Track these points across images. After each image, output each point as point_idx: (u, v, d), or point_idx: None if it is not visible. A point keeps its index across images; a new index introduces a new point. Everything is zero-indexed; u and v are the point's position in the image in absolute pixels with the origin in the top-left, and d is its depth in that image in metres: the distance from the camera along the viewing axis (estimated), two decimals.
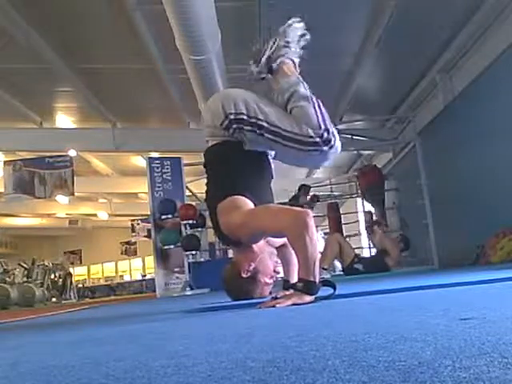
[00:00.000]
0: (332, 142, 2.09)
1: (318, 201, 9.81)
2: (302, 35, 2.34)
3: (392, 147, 9.74)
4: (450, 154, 6.99)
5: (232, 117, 2.17)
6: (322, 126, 2.08)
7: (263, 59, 2.27)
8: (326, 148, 2.09)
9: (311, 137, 2.07)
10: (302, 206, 8.95)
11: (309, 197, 9.67)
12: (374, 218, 8.80)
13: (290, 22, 2.35)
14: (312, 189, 12.02)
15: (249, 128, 2.16)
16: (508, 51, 5.27)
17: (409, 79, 8.00)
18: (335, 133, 2.12)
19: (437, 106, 7.50)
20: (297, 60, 2.33)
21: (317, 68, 7.54)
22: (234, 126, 2.17)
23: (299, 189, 9.51)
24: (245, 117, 2.15)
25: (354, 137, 9.26)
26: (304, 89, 2.18)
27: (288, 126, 2.11)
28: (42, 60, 7.37)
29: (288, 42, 2.30)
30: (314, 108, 2.12)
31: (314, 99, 2.15)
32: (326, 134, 2.08)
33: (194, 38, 5.35)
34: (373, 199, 9.21)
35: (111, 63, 7.78)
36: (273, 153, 2.36)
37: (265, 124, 2.13)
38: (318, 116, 2.10)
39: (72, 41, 7.09)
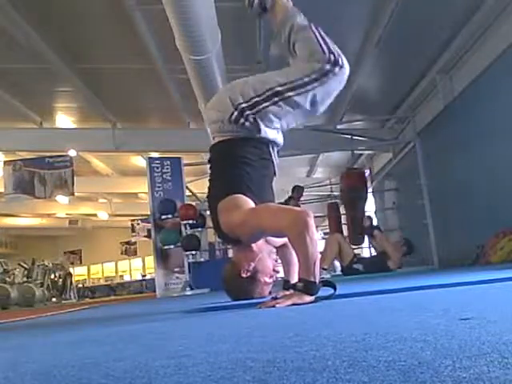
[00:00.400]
0: (340, 62, 2.14)
1: (301, 194, 9.76)
2: None
3: (392, 147, 9.74)
4: (450, 153, 6.99)
5: (243, 105, 2.18)
6: (326, 50, 2.13)
7: (256, 1, 2.34)
8: (337, 69, 2.14)
9: (321, 68, 2.13)
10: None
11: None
12: (374, 222, 8.82)
13: None
14: (312, 189, 12.04)
15: (267, 104, 2.18)
16: (508, 51, 5.27)
17: (409, 79, 8.00)
18: (340, 53, 2.17)
19: (437, 106, 7.50)
20: None
21: None
22: (248, 112, 2.18)
23: (293, 190, 9.49)
24: (257, 98, 2.18)
25: (354, 137, 9.27)
26: (301, 19, 2.25)
27: (298, 74, 2.17)
28: (42, 60, 7.37)
29: None
30: (315, 35, 2.17)
31: (313, 27, 2.21)
32: (332, 57, 2.13)
33: (193, 38, 5.34)
34: (350, 202, 9.18)
35: (111, 63, 7.77)
36: (282, 140, 2.36)
37: (279, 88, 2.17)
38: (320, 42, 2.15)
39: (72, 41, 7.09)
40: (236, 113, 2.18)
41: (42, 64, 7.52)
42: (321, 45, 2.14)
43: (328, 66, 2.12)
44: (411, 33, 6.38)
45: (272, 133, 2.28)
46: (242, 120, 2.19)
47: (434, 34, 6.53)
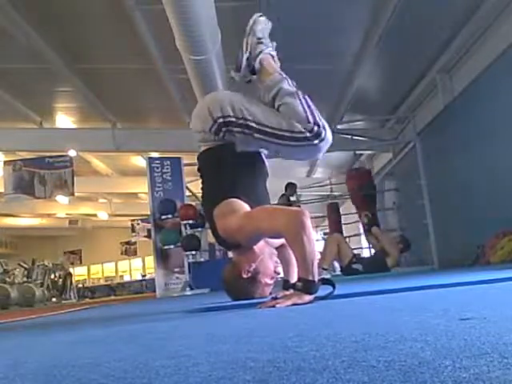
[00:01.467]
0: (323, 135, 2.10)
1: (295, 191, 9.77)
2: (268, 28, 2.38)
3: (392, 147, 9.74)
4: (450, 153, 6.99)
5: (220, 120, 2.18)
6: (311, 120, 2.09)
7: (243, 63, 2.29)
8: (316, 141, 2.09)
9: (301, 132, 2.08)
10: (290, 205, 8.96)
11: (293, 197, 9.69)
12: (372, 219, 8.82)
13: (253, 18, 2.37)
14: (312, 189, 12.04)
15: (238, 129, 2.17)
16: (508, 51, 5.27)
17: (409, 79, 8.00)
18: (326, 125, 2.13)
19: (437, 106, 7.50)
20: (274, 53, 2.35)
21: (317, 68, 7.57)
22: (224, 129, 2.18)
23: (285, 187, 9.50)
24: (233, 119, 2.17)
25: (354, 137, 9.27)
26: (288, 85, 2.19)
27: (276, 123, 2.12)
28: (42, 60, 7.37)
29: (260, 38, 2.32)
30: (301, 103, 2.12)
31: (301, 94, 2.16)
32: (316, 128, 2.08)
33: (193, 37, 5.34)
34: (361, 201, 9.16)
35: (111, 63, 7.78)
36: (266, 151, 2.37)
37: (253, 124, 2.15)
38: (306, 110, 2.10)
39: (72, 41, 7.09)
40: (215, 125, 2.19)
41: (42, 64, 7.52)
42: (306, 114, 2.09)
43: (309, 134, 2.08)
44: (411, 33, 6.38)
45: (249, 147, 2.27)
46: (221, 133, 2.20)
47: (433, 34, 6.53)
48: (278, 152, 2.23)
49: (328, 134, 2.12)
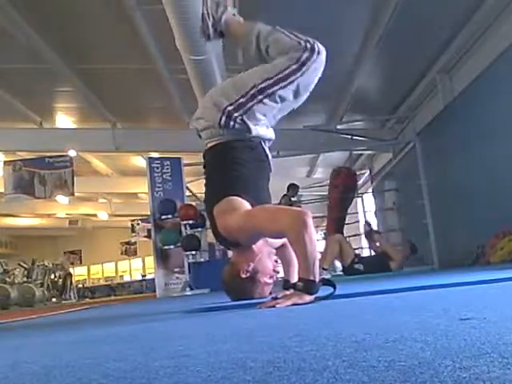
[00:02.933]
0: (316, 47, 2.17)
1: (297, 192, 9.78)
2: None
3: (392, 147, 9.74)
4: (450, 154, 6.99)
5: (229, 108, 2.18)
6: (300, 40, 2.16)
7: (210, 31, 2.38)
8: (314, 56, 2.17)
9: (299, 57, 2.14)
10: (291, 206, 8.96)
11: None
12: (373, 227, 8.83)
13: None
14: (312, 189, 12.04)
15: (252, 103, 2.18)
16: (508, 51, 5.27)
17: (409, 79, 8.00)
18: (314, 39, 2.20)
19: (437, 106, 7.50)
20: (234, 10, 2.44)
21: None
22: (236, 114, 2.18)
23: (288, 188, 9.51)
24: (242, 99, 2.18)
25: (354, 137, 9.27)
26: (262, 25, 2.26)
27: (276, 68, 2.17)
28: (42, 60, 7.37)
29: (217, 2, 2.40)
30: (284, 33, 2.20)
31: (279, 28, 2.23)
32: (308, 44, 2.16)
33: (194, 38, 5.34)
34: (339, 200, 9.14)
35: (111, 63, 7.77)
36: (273, 135, 2.37)
37: (261, 85, 2.17)
38: (290, 36, 2.18)
39: (72, 41, 7.09)
40: (224, 117, 2.19)
41: (42, 64, 7.52)
42: (293, 38, 2.17)
43: (305, 54, 2.14)
44: (411, 33, 6.38)
45: (262, 129, 2.29)
46: (231, 123, 2.19)
47: (434, 34, 6.53)
48: (299, 90, 2.22)
49: (320, 46, 2.21)
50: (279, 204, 9.11)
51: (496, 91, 5.60)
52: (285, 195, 9.42)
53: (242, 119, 2.19)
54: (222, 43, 2.51)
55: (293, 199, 9.66)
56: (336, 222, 9.00)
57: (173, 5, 4.81)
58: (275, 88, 2.17)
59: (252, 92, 2.17)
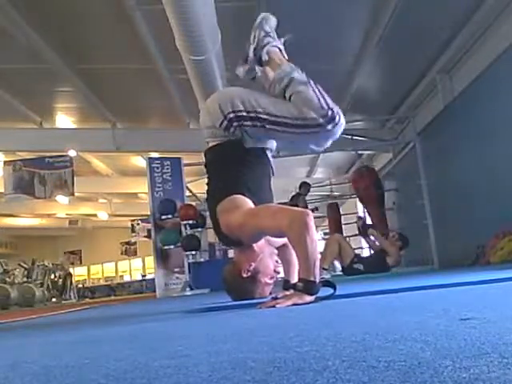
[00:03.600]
0: (336, 120, 2.08)
1: (309, 190, 9.79)
2: (275, 24, 2.40)
3: (392, 147, 9.74)
4: (450, 154, 6.99)
5: (231, 115, 2.17)
6: (325, 106, 2.07)
7: (250, 55, 2.30)
8: (330, 127, 2.07)
9: (313, 118, 2.06)
10: (304, 207, 8.99)
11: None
12: (368, 221, 8.83)
13: (262, 15, 2.39)
14: (312, 189, 12.02)
15: (249, 123, 2.17)
16: (508, 51, 5.27)
17: (409, 79, 8.00)
18: (339, 110, 2.11)
19: (437, 106, 7.50)
20: (281, 46, 2.35)
21: (317, 68, 7.56)
22: (235, 123, 2.18)
23: (300, 186, 9.52)
24: (244, 113, 2.16)
25: (354, 137, 9.26)
26: (299, 74, 2.18)
27: (287, 113, 2.11)
28: (42, 60, 7.37)
29: (267, 32, 2.33)
30: (314, 91, 2.11)
31: (312, 83, 2.14)
32: (330, 113, 2.07)
33: (193, 38, 5.35)
34: (368, 201, 9.18)
35: (111, 63, 7.77)
36: (274, 144, 2.37)
37: (264, 116, 2.14)
38: (318, 97, 2.09)
39: (72, 41, 7.09)
40: (226, 121, 2.19)
41: (42, 64, 7.52)
42: (320, 101, 2.08)
43: (322, 120, 2.06)
44: (411, 33, 6.38)
45: (259, 143, 2.28)
46: (231, 129, 2.19)
47: (434, 34, 6.53)
48: (293, 142, 2.21)
49: (342, 119, 2.11)
50: (292, 204, 9.17)
51: (496, 91, 5.60)
52: (298, 194, 9.44)
53: (240, 130, 2.19)
54: (252, 74, 2.38)
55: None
56: (383, 219, 9.02)
57: (173, 5, 4.81)
58: (275, 127, 2.14)
59: (253, 115, 2.15)
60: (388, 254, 6.48)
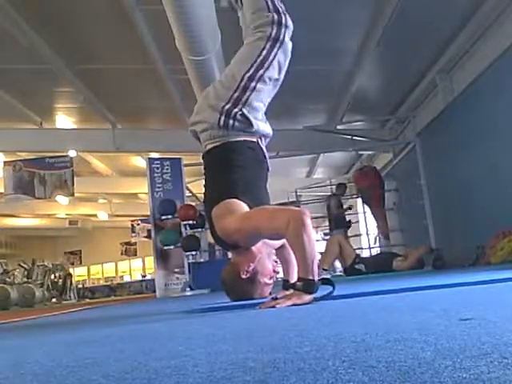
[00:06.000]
0: (283, 21, 2.23)
1: (344, 191, 9.84)
2: None
3: (392, 147, 9.74)
4: (450, 154, 6.99)
5: (227, 107, 2.20)
6: (271, 7, 2.22)
7: None
8: (283, 29, 2.22)
9: (269, 36, 2.21)
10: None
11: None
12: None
13: None
14: (312, 189, 12.05)
15: (247, 94, 2.21)
16: (508, 51, 5.27)
17: (409, 79, 8.00)
18: (284, 10, 2.26)
19: (437, 106, 7.50)
20: None
21: (317, 68, 7.57)
22: (234, 110, 2.19)
23: (337, 187, 9.66)
24: (235, 94, 2.21)
25: (354, 137, 9.27)
26: None
27: (255, 50, 2.24)
28: (42, 60, 7.36)
29: None
30: None
31: None
32: (276, 16, 2.22)
33: (194, 38, 5.34)
34: (369, 202, 9.23)
35: (111, 63, 7.77)
36: (270, 130, 2.40)
37: (247, 74, 2.22)
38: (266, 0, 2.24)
39: (72, 41, 7.09)
40: (223, 117, 2.20)
41: (42, 64, 7.52)
42: (267, 2, 2.22)
43: (275, 29, 2.21)
44: (411, 33, 6.38)
45: (262, 124, 2.31)
46: (231, 122, 2.20)
47: (434, 34, 6.53)
48: (280, 63, 2.28)
49: (288, 19, 2.25)
50: (329, 206, 9.24)
51: (496, 91, 5.60)
52: (334, 195, 9.47)
53: (242, 114, 2.20)
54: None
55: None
56: (384, 219, 9.08)
57: (173, 5, 4.80)
58: (261, 71, 2.22)
59: (242, 84, 2.21)
60: (405, 258, 6.38)
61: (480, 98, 5.97)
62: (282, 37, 2.22)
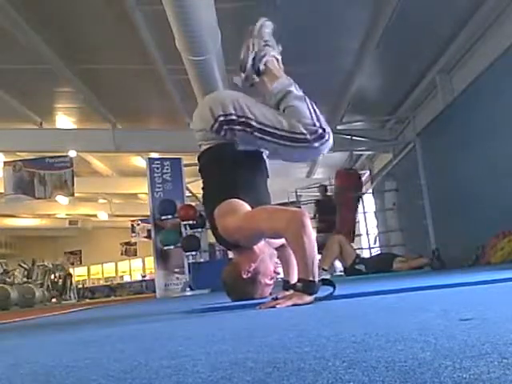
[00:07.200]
0: (325, 139, 2.11)
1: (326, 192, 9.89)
2: (273, 32, 2.39)
3: (392, 148, 9.74)
4: (450, 154, 6.98)
5: (222, 118, 2.18)
6: (317, 124, 2.10)
7: (248, 64, 2.28)
8: (317, 144, 2.11)
9: (302, 133, 2.09)
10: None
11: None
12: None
13: (261, 21, 2.38)
14: (312, 189, 12.06)
15: (239, 127, 2.17)
16: (508, 51, 5.27)
17: (409, 79, 8.00)
18: (330, 131, 2.14)
19: (437, 106, 7.50)
20: (279, 57, 2.36)
21: (317, 68, 7.57)
22: (225, 127, 2.18)
23: (318, 190, 9.68)
24: (234, 117, 2.17)
25: (354, 137, 9.26)
26: (296, 90, 2.19)
27: (277, 123, 2.13)
28: (42, 60, 7.37)
29: (266, 41, 2.33)
30: (308, 107, 2.14)
31: (308, 100, 2.17)
32: (320, 131, 2.10)
33: (194, 38, 5.35)
34: (342, 202, 9.22)
35: (111, 63, 7.78)
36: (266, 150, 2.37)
37: (253, 123, 2.15)
38: (311, 113, 2.12)
39: (72, 41, 7.09)
40: (216, 124, 2.19)
41: (42, 64, 7.52)
42: (312, 116, 2.11)
43: (310, 137, 2.09)
44: (411, 33, 6.38)
45: (249, 146, 2.27)
46: (222, 132, 2.19)
47: (434, 34, 6.53)
48: (277, 152, 2.23)
49: (330, 140, 2.14)
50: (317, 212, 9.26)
51: (496, 91, 5.59)
52: (318, 201, 9.50)
53: (232, 132, 2.19)
54: (250, 82, 2.37)
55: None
56: (351, 224, 9.11)
57: (173, 5, 4.81)
58: (261, 135, 2.15)
59: (243, 120, 2.16)
60: (404, 260, 6.39)
61: (480, 98, 5.97)
62: (306, 145, 2.11)
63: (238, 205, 2.14)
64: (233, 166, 2.24)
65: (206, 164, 2.35)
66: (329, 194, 10.17)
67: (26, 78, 8.18)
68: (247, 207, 2.14)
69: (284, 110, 2.16)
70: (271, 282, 2.37)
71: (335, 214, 9.55)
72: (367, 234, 10.31)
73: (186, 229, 7.94)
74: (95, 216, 19.93)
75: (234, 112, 2.17)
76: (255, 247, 2.26)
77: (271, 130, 2.13)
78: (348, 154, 11.09)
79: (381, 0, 5.82)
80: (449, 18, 6.16)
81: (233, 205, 2.14)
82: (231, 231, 2.13)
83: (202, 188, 2.36)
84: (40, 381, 0.73)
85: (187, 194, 9.20)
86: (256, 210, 2.12)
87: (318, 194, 10.56)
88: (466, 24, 6.20)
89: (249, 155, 2.27)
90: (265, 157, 2.37)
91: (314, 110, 2.14)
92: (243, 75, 2.32)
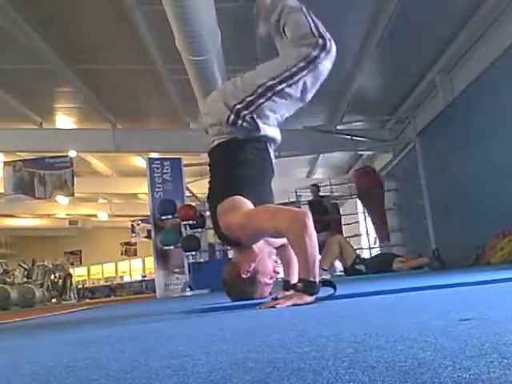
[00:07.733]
0: (328, 47, 2.16)
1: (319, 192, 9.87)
2: None
3: (392, 148, 9.74)
4: (450, 154, 6.98)
5: (238, 106, 2.18)
6: (316, 34, 2.15)
7: (272, 19, 2.32)
8: (323, 54, 2.15)
9: (307, 55, 2.14)
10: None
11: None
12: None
13: None
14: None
15: (261, 101, 2.18)
16: (508, 51, 5.27)
17: (409, 79, 8.00)
18: (329, 36, 2.19)
19: (437, 106, 7.50)
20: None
21: None
22: (244, 112, 2.18)
23: (310, 190, 9.66)
24: (250, 97, 2.18)
25: (354, 137, 9.26)
26: (292, 0, 2.26)
27: (285, 65, 2.18)
28: (42, 60, 7.37)
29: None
30: (306, 18, 2.19)
31: (305, 9, 2.22)
32: (321, 41, 2.15)
33: (194, 38, 5.34)
34: (368, 202, 9.24)
35: (111, 63, 7.78)
36: (279, 136, 2.36)
37: (269, 83, 2.17)
38: (310, 25, 2.17)
39: (72, 41, 7.09)
40: (232, 115, 2.19)
41: (42, 64, 7.52)
42: (311, 28, 2.16)
43: (315, 52, 2.13)
44: (411, 33, 6.38)
45: (270, 130, 2.29)
46: (239, 121, 2.19)
47: (434, 34, 6.53)
48: (306, 87, 2.21)
49: (333, 45, 2.17)
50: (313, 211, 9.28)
51: (496, 91, 5.60)
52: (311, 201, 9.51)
53: (251, 117, 2.19)
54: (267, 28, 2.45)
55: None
56: (384, 220, 9.10)
57: (173, 5, 4.80)
58: (283, 85, 2.17)
59: (260, 90, 2.18)
60: (404, 260, 6.39)
61: (480, 98, 5.97)
62: (318, 60, 2.14)
63: (241, 202, 2.14)
64: (240, 164, 2.24)
65: (214, 160, 2.35)
66: (322, 194, 10.16)
67: (26, 78, 8.18)
68: (250, 205, 2.14)
69: (284, 30, 2.23)
70: (271, 281, 2.37)
71: (328, 214, 9.60)
72: (367, 234, 10.31)
73: (185, 229, 7.94)
74: (95, 216, 19.92)
75: (246, 94, 2.19)
76: (254, 246, 2.26)
77: (288, 74, 2.17)
78: (352, 154, 11.11)
79: (381, 0, 5.82)
80: (449, 17, 6.16)
81: (236, 202, 2.14)
82: (233, 228, 2.13)
83: (209, 182, 2.37)
84: (40, 381, 0.73)
85: (187, 194, 9.19)
86: (259, 208, 2.12)
87: (321, 193, 10.57)
88: (466, 24, 6.19)
89: (256, 153, 2.27)
90: (272, 154, 2.37)
91: (313, 20, 2.19)
92: (264, 25, 2.39)
